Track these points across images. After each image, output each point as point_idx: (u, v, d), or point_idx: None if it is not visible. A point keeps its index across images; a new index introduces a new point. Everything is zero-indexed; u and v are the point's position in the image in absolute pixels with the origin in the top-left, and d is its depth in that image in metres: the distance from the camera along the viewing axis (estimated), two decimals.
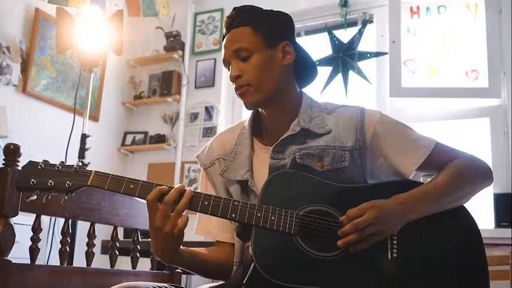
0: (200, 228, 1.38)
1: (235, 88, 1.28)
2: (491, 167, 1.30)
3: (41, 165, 1.16)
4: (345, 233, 1.10)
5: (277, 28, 1.30)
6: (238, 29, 1.28)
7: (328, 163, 1.23)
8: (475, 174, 1.25)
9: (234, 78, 1.26)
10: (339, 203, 1.17)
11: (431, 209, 1.18)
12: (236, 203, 1.15)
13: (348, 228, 1.10)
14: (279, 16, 1.33)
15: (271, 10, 1.33)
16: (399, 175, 1.26)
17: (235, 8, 1.32)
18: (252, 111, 1.37)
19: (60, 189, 1.15)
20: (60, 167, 1.16)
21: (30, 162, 1.17)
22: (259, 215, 1.13)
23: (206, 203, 1.15)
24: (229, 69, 1.29)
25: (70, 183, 1.15)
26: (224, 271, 1.30)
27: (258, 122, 1.36)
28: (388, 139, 1.26)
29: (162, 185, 1.15)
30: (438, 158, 1.25)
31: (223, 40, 1.31)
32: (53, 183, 1.14)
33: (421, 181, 1.28)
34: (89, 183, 1.16)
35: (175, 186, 1.14)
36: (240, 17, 1.28)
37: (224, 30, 1.31)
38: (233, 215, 1.14)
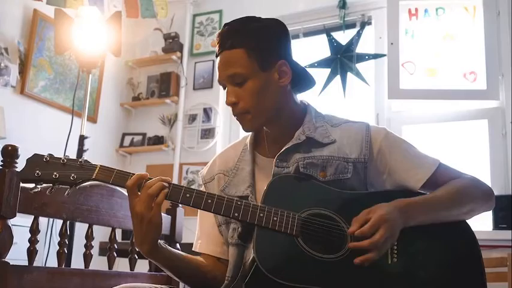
0: (197, 246, 1.37)
1: (234, 114, 1.26)
2: (489, 171, 1.30)
3: (46, 158, 1.16)
4: (362, 248, 1.09)
5: (272, 47, 1.25)
6: (231, 51, 1.22)
7: (331, 173, 1.23)
8: (477, 194, 1.25)
9: (230, 105, 1.24)
10: (340, 208, 1.17)
11: (430, 219, 1.19)
12: (239, 203, 1.15)
13: (366, 245, 1.09)
14: (272, 30, 1.26)
15: (263, 24, 1.26)
16: None
17: (225, 25, 1.26)
18: None
19: (65, 181, 1.16)
20: (65, 160, 1.17)
21: (36, 155, 1.17)
22: (261, 215, 1.13)
23: (209, 201, 1.15)
24: (224, 89, 1.27)
25: (75, 176, 1.16)
26: (206, 282, 1.29)
27: (260, 136, 1.35)
28: (394, 156, 1.27)
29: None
30: (441, 178, 1.25)
31: (217, 57, 1.27)
32: (57, 175, 1.15)
33: None
34: (94, 177, 1.16)
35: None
36: (232, 38, 1.22)
37: (217, 49, 1.26)
38: (236, 214, 1.14)
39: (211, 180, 1.37)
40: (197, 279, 1.29)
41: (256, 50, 1.22)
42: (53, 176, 1.15)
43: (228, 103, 1.24)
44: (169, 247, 1.25)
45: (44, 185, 1.17)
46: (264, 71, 1.23)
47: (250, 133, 1.38)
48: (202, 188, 1.38)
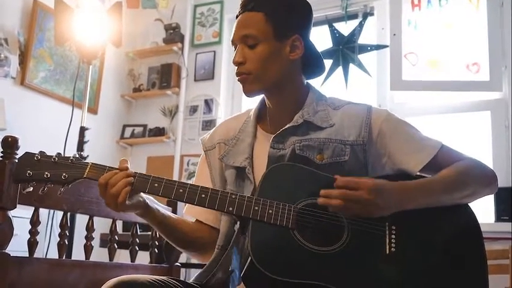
0: (187, 210, 1.39)
1: (236, 73, 1.27)
2: (492, 163, 1.28)
3: (37, 157, 1.16)
4: (331, 195, 1.06)
5: (292, 20, 1.27)
6: (251, 13, 1.26)
7: (328, 156, 1.22)
8: (480, 177, 1.23)
9: (236, 64, 1.26)
10: None
11: (430, 203, 1.16)
12: (233, 196, 1.14)
13: (336, 193, 1.06)
14: (297, 6, 1.30)
15: None
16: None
17: None
18: (259, 100, 1.37)
19: (56, 181, 1.15)
20: (56, 158, 1.16)
21: (27, 153, 1.17)
22: (256, 208, 1.12)
23: (203, 196, 1.15)
24: (235, 50, 1.28)
25: (66, 175, 1.15)
26: (196, 246, 1.33)
27: (263, 111, 1.35)
28: (394, 138, 1.25)
29: (158, 177, 1.16)
30: (443, 160, 1.23)
31: (236, 18, 1.30)
32: (49, 175, 1.14)
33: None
34: (85, 175, 1.16)
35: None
36: (256, 1, 1.26)
37: (239, 9, 1.29)
38: (230, 208, 1.14)
39: (212, 149, 1.37)
40: (187, 243, 1.33)
41: (275, 17, 1.25)
42: (45, 175, 1.14)
43: (234, 62, 1.26)
44: (162, 210, 1.27)
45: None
46: (277, 40, 1.25)
47: (254, 106, 1.38)
48: (202, 155, 1.39)
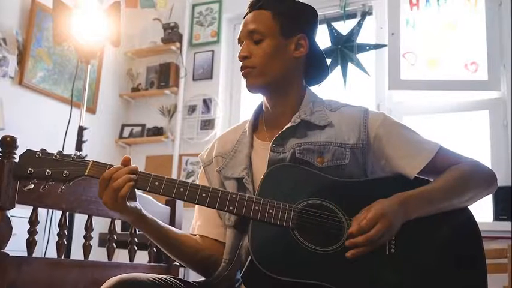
0: (195, 228, 1.36)
1: (241, 68, 1.29)
2: (490, 162, 1.29)
3: (38, 154, 1.16)
4: (357, 244, 1.09)
5: (298, 20, 1.31)
6: (259, 11, 1.29)
7: (328, 159, 1.23)
8: (479, 180, 1.24)
9: (241, 58, 1.28)
10: (338, 197, 1.16)
11: (431, 211, 1.17)
12: (234, 196, 1.14)
13: (361, 240, 1.09)
14: (303, 8, 1.34)
15: (298, 1, 1.34)
16: None
17: None
18: (254, 111, 1.38)
19: (58, 178, 1.15)
20: (57, 156, 1.16)
21: (28, 150, 1.16)
22: (256, 208, 1.12)
23: (204, 195, 1.14)
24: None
25: (67, 173, 1.15)
26: (197, 259, 1.28)
27: (259, 120, 1.36)
28: (391, 142, 1.25)
29: (159, 175, 1.16)
30: (441, 163, 1.23)
31: (244, 18, 1.32)
32: (50, 172, 1.14)
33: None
34: (86, 173, 1.16)
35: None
36: (264, 0, 1.29)
37: (246, 9, 1.32)
38: (231, 208, 1.14)
39: (210, 163, 1.37)
40: (188, 255, 1.28)
41: (282, 16, 1.29)
42: (46, 173, 1.14)
43: (240, 56, 1.29)
44: (160, 221, 1.24)
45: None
46: (283, 37, 1.28)
47: (250, 117, 1.38)
48: (202, 171, 1.39)
